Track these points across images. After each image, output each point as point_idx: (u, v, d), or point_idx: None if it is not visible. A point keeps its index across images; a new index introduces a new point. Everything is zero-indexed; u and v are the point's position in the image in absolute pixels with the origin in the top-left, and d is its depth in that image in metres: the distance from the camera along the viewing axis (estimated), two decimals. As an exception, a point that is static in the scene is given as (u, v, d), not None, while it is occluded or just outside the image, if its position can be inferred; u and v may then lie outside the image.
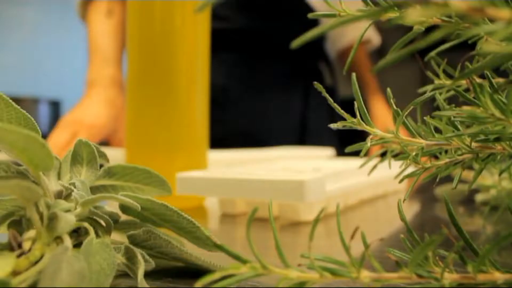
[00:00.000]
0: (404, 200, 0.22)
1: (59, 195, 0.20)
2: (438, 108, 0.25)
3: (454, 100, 0.25)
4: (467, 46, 0.25)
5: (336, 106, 0.23)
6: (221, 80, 0.92)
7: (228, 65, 0.95)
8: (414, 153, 0.23)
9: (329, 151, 0.72)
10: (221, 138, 0.88)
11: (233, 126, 0.94)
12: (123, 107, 0.69)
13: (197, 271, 0.21)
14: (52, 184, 0.20)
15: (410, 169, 0.25)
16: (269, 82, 0.98)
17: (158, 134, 0.43)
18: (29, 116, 0.19)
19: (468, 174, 0.43)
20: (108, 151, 0.26)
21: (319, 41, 1.07)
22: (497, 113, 0.18)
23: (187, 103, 0.43)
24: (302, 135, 1.00)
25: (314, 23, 1.03)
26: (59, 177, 0.20)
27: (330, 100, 0.23)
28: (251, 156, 0.65)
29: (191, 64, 0.44)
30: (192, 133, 0.44)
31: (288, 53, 0.95)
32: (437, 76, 0.28)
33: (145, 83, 0.43)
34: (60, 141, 0.73)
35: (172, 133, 0.43)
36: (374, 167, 0.29)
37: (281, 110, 0.98)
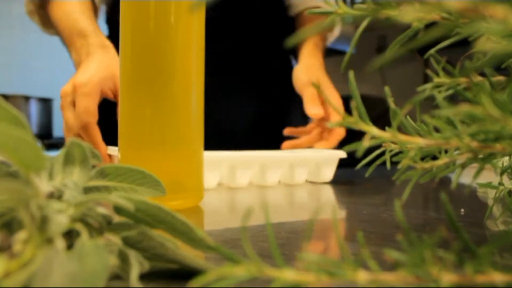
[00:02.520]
0: (403, 200, 0.22)
1: (51, 196, 0.19)
2: (439, 107, 0.25)
3: (456, 98, 0.25)
4: (469, 43, 0.24)
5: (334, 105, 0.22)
6: None
7: None
8: (412, 153, 0.23)
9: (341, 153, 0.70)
10: None
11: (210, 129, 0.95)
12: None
13: (191, 273, 0.21)
14: (44, 185, 0.19)
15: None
16: (239, 77, 0.96)
17: (152, 134, 0.42)
18: (20, 114, 0.19)
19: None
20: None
21: (291, 31, 1.05)
22: (495, 113, 0.18)
23: (181, 103, 0.43)
24: (274, 129, 0.98)
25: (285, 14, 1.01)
26: (51, 177, 0.20)
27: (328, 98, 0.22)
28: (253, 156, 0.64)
29: (186, 63, 0.43)
30: (187, 133, 0.43)
31: (261, 46, 0.94)
32: (437, 74, 0.28)
33: (138, 82, 0.42)
34: (71, 122, 0.70)
35: (166, 133, 0.42)
36: (373, 167, 0.28)
37: (251, 106, 0.97)
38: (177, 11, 0.42)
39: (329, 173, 0.69)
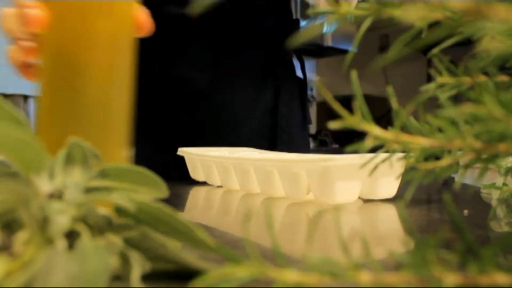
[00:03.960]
0: (406, 201, 0.22)
1: (51, 196, 0.19)
2: (442, 107, 0.24)
3: (460, 98, 0.25)
4: (473, 43, 0.24)
5: (336, 104, 0.22)
6: (184, 72, 0.85)
7: (192, 55, 0.85)
8: (415, 154, 0.23)
9: None
10: (184, 134, 0.83)
11: (197, 121, 0.86)
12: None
13: (193, 274, 0.21)
14: (44, 185, 0.19)
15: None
16: (238, 74, 0.89)
17: (71, 129, 0.38)
18: (20, 114, 0.19)
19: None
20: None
21: (294, 31, 0.97)
22: (499, 113, 0.18)
23: (101, 103, 0.39)
24: (273, 130, 0.92)
25: (287, 13, 0.95)
26: (51, 177, 0.20)
27: (330, 96, 0.22)
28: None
29: (104, 64, 0.40)
30: (109, 132, 0.41)
31: (261, 42, 0.88)
32: (440, 73, 0.28)
33: (56, 82, 0.40)
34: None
35: (85, 130, 0.39)
36: (375, 167, 0.28)
37: (251, 104, 0.90)
38: (97, 11, 0.40)
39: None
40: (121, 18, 0.42)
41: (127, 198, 0.19)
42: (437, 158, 0.24)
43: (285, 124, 0.93)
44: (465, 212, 0.43)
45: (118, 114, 0.41)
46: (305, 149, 0.98)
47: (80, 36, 0.39)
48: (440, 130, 0.23)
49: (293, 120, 0.95)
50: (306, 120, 0.99)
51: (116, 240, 0.20)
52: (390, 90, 0.23)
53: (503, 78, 0.26)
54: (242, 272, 0.17)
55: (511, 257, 0.24)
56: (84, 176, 0.20)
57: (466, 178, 0.59)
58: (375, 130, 0.21)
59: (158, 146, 0.85)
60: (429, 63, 2.64)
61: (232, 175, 0.60)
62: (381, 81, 2.77)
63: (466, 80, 0.27)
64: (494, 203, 0.49)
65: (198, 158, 0.67)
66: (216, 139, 0.82)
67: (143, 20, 0.46)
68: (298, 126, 0.96)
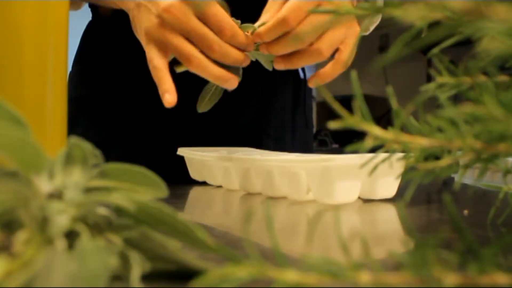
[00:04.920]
0: (406, 201, 0.22)
1: (51, 196, 0.19)
2: (442, 107, 0.24)
3: (460, 98, 0.25)
4: (473, 43, 0.24)
5: (336, 104, 0.22)
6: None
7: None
8: (415, 154, 0.23)
9: None
10: (167, 137, 0.78)
11: (181, 125, 0.80)
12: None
13: (192, 274, 0.21)
14: (44, 185, 0.19)
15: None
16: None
17: None
18: (20, 114, 0.19)
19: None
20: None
21: None
22: (499, 113, 0.18)
23: (34, 103, 0.39)
24: (259, 136, 0.84)
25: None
26: (51, 177, 0.20)
27: (330, 96, 0.22)
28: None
29: (36, 62, 0.39)
30: (42, 129, 0.39)
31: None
32: (440, 73, 0.28)
33: None
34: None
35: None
36: (375, 167, 0.28)
37: (236, 109, 0.82)
38: (25, 9, 0.39)
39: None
40: (52, 17, 0.40)
41: (127, 198, 0.19)
42: (437, 158, 0.24)
43: (273, 130, 0.85)
44: (465, 212, 0.43)
45: (52, 113, 0.39)
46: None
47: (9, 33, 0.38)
48: (440, 130, 0.23)
49: (282, 126, 0.86)
50: (294, 126, 0.89)
51: (116, 240, 0.20)
52: (390, 90, 0.23)
53: (503, 78, 0.26)
54: (242, 272, 0.17)
55: (511, 257, 0.24)
56: (84, 176, 0.20)
57: (466, 178, 0.59)
58: (375, 130, 0.21)
59: (140, 146, 0.80)
60: (429, 63, 2.64)
61: (232, 175, 0.60)
62: (381, 81, 2.77)
63: (466, 80, 0.27)
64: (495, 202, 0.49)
65: (198, 158, 0.67)
66: (201, 143, 0.76)
67: None
68: (289, 133, 0.88)
